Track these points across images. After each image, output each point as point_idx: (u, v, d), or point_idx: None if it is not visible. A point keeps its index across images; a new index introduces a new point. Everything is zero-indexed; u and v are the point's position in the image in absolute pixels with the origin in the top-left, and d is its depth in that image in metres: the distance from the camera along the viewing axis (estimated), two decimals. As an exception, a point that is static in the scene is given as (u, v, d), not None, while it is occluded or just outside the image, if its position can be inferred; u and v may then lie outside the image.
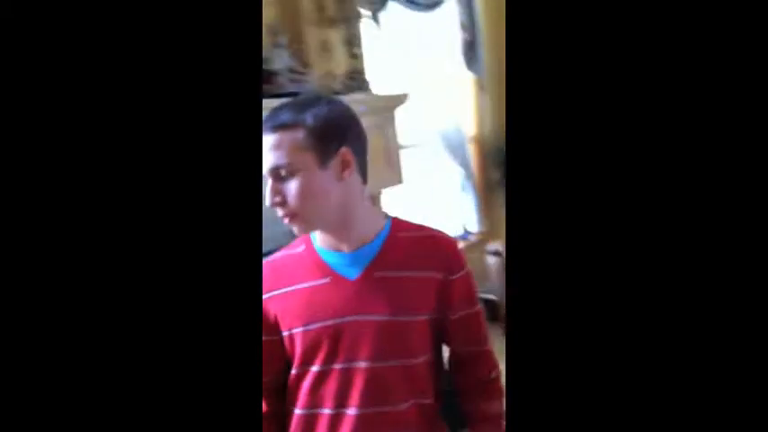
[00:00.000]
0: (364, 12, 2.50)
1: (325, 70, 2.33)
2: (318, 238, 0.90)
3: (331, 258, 0.89)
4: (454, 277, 0.90)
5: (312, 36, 2.33)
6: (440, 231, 0.95)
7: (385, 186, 2.44)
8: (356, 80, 2.41)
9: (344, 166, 0.84)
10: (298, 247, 0.93)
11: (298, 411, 0.90)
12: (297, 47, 2.20)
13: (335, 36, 2.41)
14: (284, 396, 0.92)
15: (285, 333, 0.89)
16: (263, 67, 2.03)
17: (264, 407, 0.92)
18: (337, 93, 2.29)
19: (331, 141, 0.82)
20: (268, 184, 0.82)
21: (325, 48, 2.37)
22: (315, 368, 0.87)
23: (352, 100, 2.35)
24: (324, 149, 0.82)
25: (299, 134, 0.81)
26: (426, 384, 0.92)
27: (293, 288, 0.89)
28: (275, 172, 0.81)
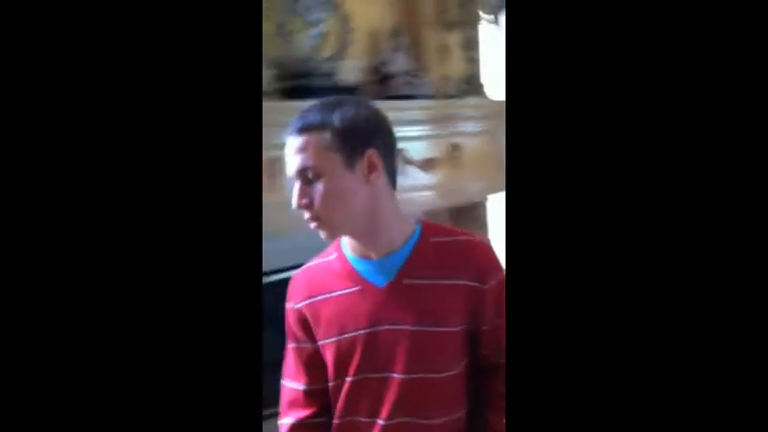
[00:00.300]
0: (484, 15, 2.49)
1: (441, 74, 2.36)
2: (348, 245, 0.89)
3: (360, 266, 0.88)
4: (487, 286, 0.85)
5: (431, 39, 2.36)
6: (473, 236, 0.92)
7: (493, 192, 2.42)
8: (471, 84, 2.41)
9: (371, 168, 0.82)
10: (330, 255, 0.92)
11: (335, 421, 0.90)
12: (415, 49, 2.24)
13: (454, 39, 2.42)
14: (329, 404, 0.91)
15: (320, 342, 0.89)
16: (382, 69, 2.09)
17: (307, 412, 0.91)
18: (452, 96, 2.30)
19: (357, 143, 0.81)
20: (295, 187, 0.82)
21: (443, 51, 2.40)
22: (348, 378, 0.86)
23: (466, 104, 2.37)
24: (350, 151, 0.81)
25: (326, 135, 0.80)
26: (457, 398, 0.88)
27: (326, 296, 0.88)
28: (302, 174, 0.81)
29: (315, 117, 0.82)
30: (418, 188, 2.01)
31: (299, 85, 1.79)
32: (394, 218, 0.87)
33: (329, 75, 1.92)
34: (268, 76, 1.89)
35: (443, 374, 0.86)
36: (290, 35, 1.85)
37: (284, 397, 0.95)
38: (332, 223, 0.83)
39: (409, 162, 2.01)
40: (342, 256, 0.90)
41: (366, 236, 0.86)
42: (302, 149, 0.81)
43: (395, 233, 0.87)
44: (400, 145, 2.00)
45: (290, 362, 0.94)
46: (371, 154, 0.82)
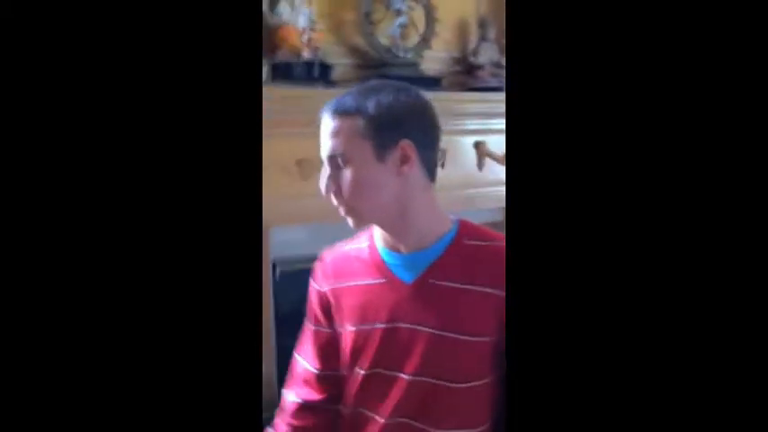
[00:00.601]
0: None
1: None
2: (380, 236, 0.85)
3: (389, 258, 0.84)
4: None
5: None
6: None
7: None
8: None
9: (403, 160, 0.77)
10: (362, 242, 0.89)
11: (343, 410, 0.88)
12: (503, 41, 2.17)
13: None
14: (340, 392, 0.89)
15: (339, 329, 0.87)
16: (469, 60, 2.04)
17: (317, 397, 0.89)
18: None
19: (391, 132, 0.77)
20: (324, 173, 0.79)
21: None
22: (361, 370, 0.83)
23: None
24: (382, 141, 0.76)
25: (359, 122, 0.76)
26: (476, 412, 0.81)
27: (351, 284, 0.86)
28: (332, 160, 0.78)
29: (351, 102, 0.78)
30: (498, 183, 1.95)
31: (381, 74, 1.77)
32: (427, 213, 0.82)
33: (412, 65, 1.90)
34: (350, 65, 1.89)
35: (461, 384, 0.79)
36: (374, 24, 1.84)
37: (296, 371, 0.92)
38: (359, 213, 0.80)
39: (490, 156, 1.96)
40: (372, 246, 0.87)
41: (395, 229, 0.82)
42: (334, 134, 0.78)
43: (427, 229, 0.82)
44: (483, 138, 1.98)
45: (307, 342, 0.92)
46: (405, 145, 0.77)
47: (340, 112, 0.78)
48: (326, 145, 0.79)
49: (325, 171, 0.80)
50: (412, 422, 0.81)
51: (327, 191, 0.79)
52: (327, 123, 0.79)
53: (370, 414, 0.84)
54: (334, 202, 0.80)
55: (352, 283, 0.86)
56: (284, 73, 1.67)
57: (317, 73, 1.69)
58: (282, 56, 1.68)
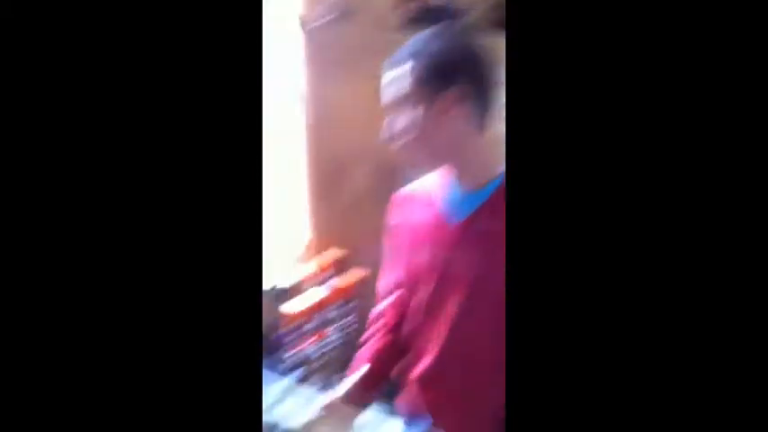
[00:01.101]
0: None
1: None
2: (435, 177, 0.91)
3: (442, 198, 0.89)
4: None
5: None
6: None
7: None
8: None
9: (450, 107, 0.81)
10: (426, 182, 0.94)
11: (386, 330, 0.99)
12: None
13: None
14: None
15: (390, 258, 0.97)
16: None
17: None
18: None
19: (441, 79, 0.81)
20: (385, 120, 0.84)
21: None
22: (392, 299, 0.96)
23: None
24: (432, 86, 0.81)
25: (412, 68, 0.81)
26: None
27: (406, 221, 0.94)
28: (390, 106, 0.83)
29: (405, 52, 0.83)
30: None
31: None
32: (477, 157, 0.85)
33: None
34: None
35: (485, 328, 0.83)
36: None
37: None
38: (413, 155, 0.86)
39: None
40: (431, 185, 0.93)
41: (446, 170, 0.87)
42: (390, 84, 0.84)
43: (479, 173, 0.85)
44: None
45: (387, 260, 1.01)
46: (451, 93, 0.81)
47: (394, 63, 0.83)
48: (385, 93, 0.84)
49: (386, 118, 0.85)
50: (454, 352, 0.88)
51: (384, 136, 0.85)
52: (386, 73, 0.84)
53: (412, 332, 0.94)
54: (393, 146, 0.85)
55: (408, 220, 0.95)
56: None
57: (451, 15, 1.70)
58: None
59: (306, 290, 2.11)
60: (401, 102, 0.82)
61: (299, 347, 2.04)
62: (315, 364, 2.08)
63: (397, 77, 0.82)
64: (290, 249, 2.39)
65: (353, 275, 2.15)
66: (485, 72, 0.84)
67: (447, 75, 0.81)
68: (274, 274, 2.21)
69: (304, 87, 2.27)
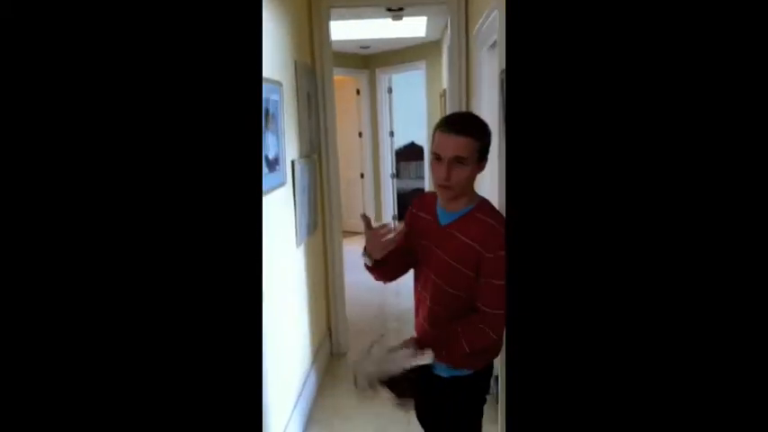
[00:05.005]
0: None
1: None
2: (439, 198, 1.49)
3: (440, 210, 1.49)
4: (489, 255, 1.34)
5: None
6: (496, 222, 1.35)
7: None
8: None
9: (484, 166, 1.40)
10: (434, 196, 1.53)
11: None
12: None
13: None
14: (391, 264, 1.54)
15: (410, 237, 1.55)
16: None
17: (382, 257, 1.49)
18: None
19: (485, 152, 1.38)
20: (443, 167, 1.35)
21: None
22: (417, 264, 1.57)
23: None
24: (482, 156, 1.38)
25: (473, 142, 1.34)
26: (466, 303, 1.43)
27: (422, 215, 1.55)
28: (455, 160, 1.34)
29: (474, 130, 1.36)
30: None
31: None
32: (469, 192, 1.44)
33: None
34: None
35: (459, 293, 1.42)
36: None
37: None
38: (455, 190, 1.39)
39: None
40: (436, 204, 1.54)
41: (453, 199, 1.42)
42: (461, 145, 1.33)
43: (464, 201, 1.43)
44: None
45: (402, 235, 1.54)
46: (485, 161, 1.40)
47: (467, 133, 1.34)
48: (453, 150, 1.34)
49: (446, 166, 1.35)
50: (440, 301, 1.47)
51: (444, 178, 1.36)
52: (453, 136, 1.34)
53: (421, 294, 1.56)
54: (443, 185, 1.38)
55: (423, 215, 1.55)
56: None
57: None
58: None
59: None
60: (465, 158, 1.35)
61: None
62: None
63: (464, 143, 1.34)
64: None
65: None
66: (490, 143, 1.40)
67: (487, 150, 1.40)
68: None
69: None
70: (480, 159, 1.37)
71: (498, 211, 1.42)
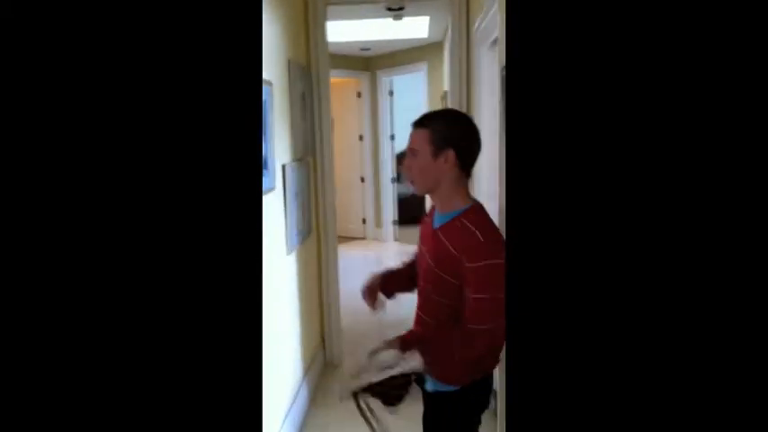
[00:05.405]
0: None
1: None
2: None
3: (435, 212, 1.42)
4: (469, 265, 1.24)
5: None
6: (481, 232, 1.26)
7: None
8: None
9: (445, 159, 1.31)
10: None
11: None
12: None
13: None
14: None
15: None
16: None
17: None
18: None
19: (442, 143, 1.30)
20: (406, 159, 1.36)
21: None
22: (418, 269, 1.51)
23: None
24: (437, 146, 1.30)
25: (427, 132, 1.31)
26: (453, 313, 1.34)
27: (427, 219, 1.48)
28: (410, 151, 1.34)
29: (426, 119, 1.34)
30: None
31: None
32: (452, 195, 1.35)
33: None
34: None
35: (442, 299, 1.35)
36: None
37: None
38: (416, 185, 1.37)
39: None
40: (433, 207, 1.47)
41: (433, 197, 1.39)
42: (413, 137, 1.33)
43: (452, 203, 1.36)
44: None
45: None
46: (449, 153, 1.30)
47: (418, 124, 1.34)
48: (410, 141, 1.34)
49: (406, 158, 1.35)
50: (429, 300, 1.40)
51: (404, 169, 1.37)
52: (413, 130, 1.34)
53: (418, 299, 1.49)
54: (406, 176, 1.36)
55: (426, 218, 1.50)
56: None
57: None
58: None
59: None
60: (416, 150, 1.34)
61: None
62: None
63: (417, 134, 1.34)
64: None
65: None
66: (471, 142, 1.34)
67: (446, 141, 1.31)
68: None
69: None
70: (437, 152, 1.29)
71: (487, 219, 1.32)
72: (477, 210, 1.33)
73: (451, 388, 1.39)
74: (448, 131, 1.29)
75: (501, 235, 1.29)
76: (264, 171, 2.06)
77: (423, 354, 1.26)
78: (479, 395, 1.43)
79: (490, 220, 1.32)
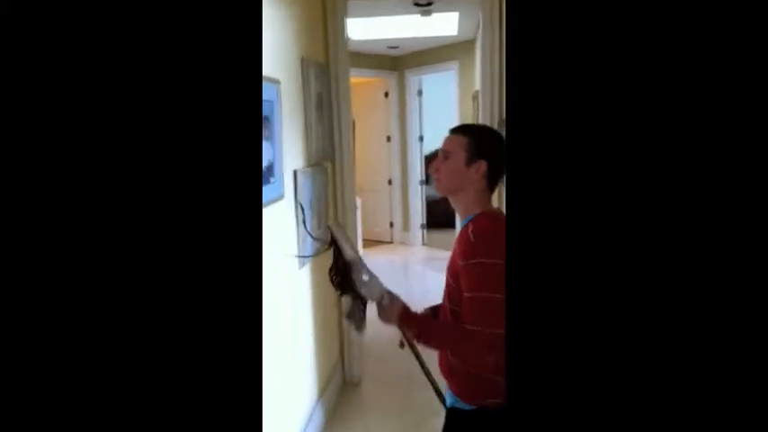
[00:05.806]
0: None
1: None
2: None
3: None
4: (460, 264, 1.28)
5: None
6: (473, 233, 1.28)
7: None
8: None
9: (477, 169, 1.36)
10: None
11: None
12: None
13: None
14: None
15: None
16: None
17: None
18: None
19: (477, 152, 1.36)
20: (436, 159, 1.40)
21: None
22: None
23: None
24: (470, 155, 1.36)
25: (465, 140, 1.37)
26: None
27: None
28: (442, 153, 1.38)
29: (464, 129, 1.41)
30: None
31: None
32: (473, 202, 1.39)
33: None
34: None
35: (452, 306, 1.35)
36: None
37: None
38: (440, 184, 1.40)
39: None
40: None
41: (454, 201, 1.43)
42: (448, 141, 1.39)
43: (468, 211, 1.39)
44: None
45: None
46: (481, 163, 1.36)
47: (457, 130, 1.40)
48: (443, 144, 1.39)
49: (437, 159, 1.39)
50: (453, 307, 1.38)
51: (432, 169, 1.40)
52: (450, 135, 1.40)
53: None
54: (434, 176, 1.40)
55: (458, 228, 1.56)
56: None
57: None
58: None
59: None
60: (449, 153, 1.39)
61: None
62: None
63: (452, 139, 1.39)
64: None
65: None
66: (502, 157, 1.37)
67: (479, 152, 1.36)
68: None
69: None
70: (470, 159, 1.35)
71: (490, 224, 1.32)
72: (487, 215, 1.35)
73: (467, 406, 1.38)
74: (484, 144, 1.36)
75: (500, 238, 1.24)
76: (270, 178, 1.88)
77: (417, 335, 1.34)
78: (497, 423, 1.32)
79: (494, 225, 1.31)
